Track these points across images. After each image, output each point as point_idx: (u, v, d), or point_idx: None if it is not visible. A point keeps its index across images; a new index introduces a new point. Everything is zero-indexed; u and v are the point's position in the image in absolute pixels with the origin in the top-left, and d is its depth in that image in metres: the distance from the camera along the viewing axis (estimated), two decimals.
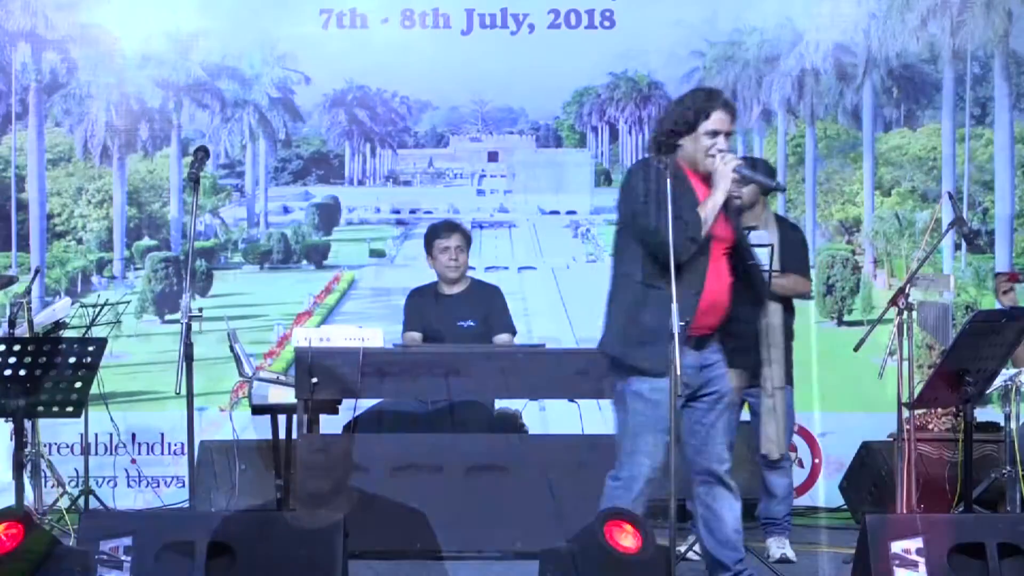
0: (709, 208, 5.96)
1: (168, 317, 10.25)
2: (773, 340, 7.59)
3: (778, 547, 7.84)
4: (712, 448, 6.13)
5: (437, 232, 8.55)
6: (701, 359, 6.08)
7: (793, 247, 7.87)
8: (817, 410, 10.12)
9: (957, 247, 10.39)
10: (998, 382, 7.93)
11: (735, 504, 6.17)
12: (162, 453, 10.12)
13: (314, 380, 7.66)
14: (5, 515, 5.72)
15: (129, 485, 10.01)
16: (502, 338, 8.46)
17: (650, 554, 5.51)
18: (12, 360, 6.41)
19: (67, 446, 9.85)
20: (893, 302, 7.65)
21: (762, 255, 6.78)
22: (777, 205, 9.82)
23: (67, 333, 8.61)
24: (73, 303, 9.13)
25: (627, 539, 5.54)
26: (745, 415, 7.76)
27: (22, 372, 6.45)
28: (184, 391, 6.61)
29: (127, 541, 5.76)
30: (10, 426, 6.92)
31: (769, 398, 7.63)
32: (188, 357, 6.64)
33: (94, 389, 6.91)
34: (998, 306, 8.67)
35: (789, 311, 7.81)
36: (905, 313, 7.58)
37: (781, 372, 7.60)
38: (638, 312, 6.02)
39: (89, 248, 10.39)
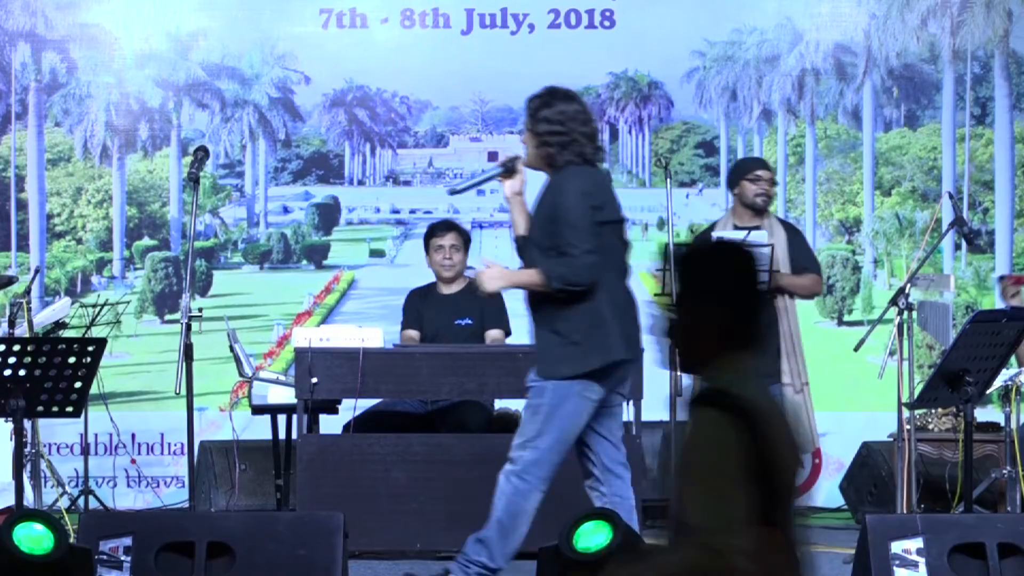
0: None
1: (168, 317, 10.25)
2: (797, 339, 7.69)
3: None
4: None
5: (433, 231, 8.57)
6: None
7: (804, 249, 7.97)
8: (817, 410, 10.11)
9: (957, 247, 10.38)
10: (998, 382, 7.93)
11: None
12: (162, 453, 10.11)
13: (314, 380, 7.67)
14: (32, 516, 5.68)
15: (129, 485, 10.00)
16: (493, 334, 8.45)
17: (611, 551, 5.45)
18: (12, 360, 6.40)
19: (67, 446, 9.85)
20: (893, 302, 7.65)
21: (763, 255, 6.81)
22: (777, 206, 9.81)
23: (67, 333, 8.61)
24: (73, 303, 9.11)
25: (589, 538, 5.51)
26: None
27: (22, 372, 6.44)
28: (184, 391, 6.62)
29: (127, 541, 5.76)
30: (10, 426, 6.92)
31: (798, 393, 7.71)
32: (188, 357, 6.64)
33: (94, 389, 6.90)
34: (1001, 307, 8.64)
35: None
36: (905, 313, 7.58)
37: (806, 368, 7.69)
38: None
39: (89, 248, 10.38)
